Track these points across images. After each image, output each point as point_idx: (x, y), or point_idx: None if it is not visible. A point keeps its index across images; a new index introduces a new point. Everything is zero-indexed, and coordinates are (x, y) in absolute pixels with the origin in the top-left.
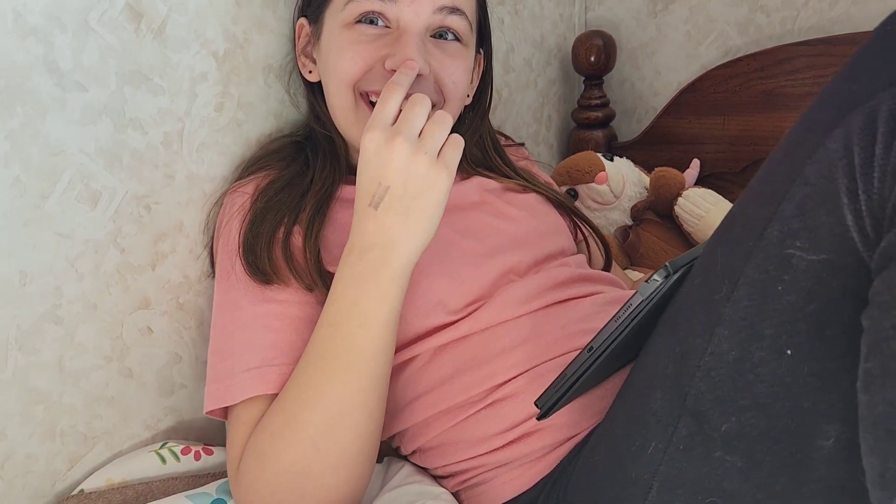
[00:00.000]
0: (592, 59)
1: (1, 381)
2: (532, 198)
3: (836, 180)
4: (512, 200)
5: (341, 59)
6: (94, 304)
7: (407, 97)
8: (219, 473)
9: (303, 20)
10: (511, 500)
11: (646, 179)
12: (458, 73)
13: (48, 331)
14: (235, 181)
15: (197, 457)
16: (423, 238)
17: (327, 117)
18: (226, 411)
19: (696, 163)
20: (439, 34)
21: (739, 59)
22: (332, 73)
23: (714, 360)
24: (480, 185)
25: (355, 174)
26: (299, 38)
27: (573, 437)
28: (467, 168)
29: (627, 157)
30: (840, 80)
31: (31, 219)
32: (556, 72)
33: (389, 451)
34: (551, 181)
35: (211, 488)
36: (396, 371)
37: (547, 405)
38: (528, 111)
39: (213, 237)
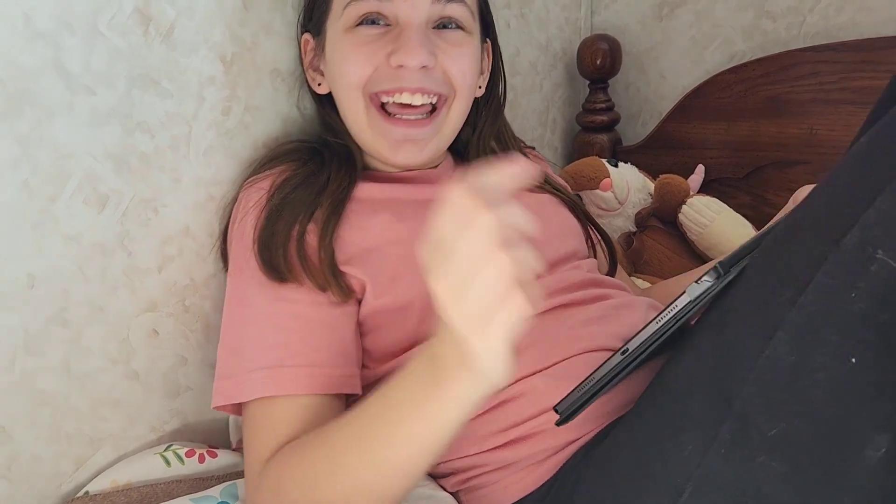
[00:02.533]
0: (598, 62)
1: (8, 384)
2: (546, 199)
3: None
4: (527, 201)
5: (347, 64)
6: (101, 306)
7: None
8: (223, 476)
9: (307, 35)
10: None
11: (650, 186)
12: (464, 61)
13: (55, 333)
14: (250, 176)
15: (201, 459)
16: (495, 380)
17: (340, 127)
18: (235, 407)
19: (700, 168)
20: (441, 25)
21: (745, 65)
22: (340, 79)
23: (769, 364)
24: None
25: (371, 174)
26: (305, 53)
27: (576, 440)
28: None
29: (632, 162)
30: None
31: (39, 222)
32: (561, 75)
33: None
34: (566, 185)
35: (215, 491)
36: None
37: (569, 410)
38: (533, 114)
39: (226, 231)
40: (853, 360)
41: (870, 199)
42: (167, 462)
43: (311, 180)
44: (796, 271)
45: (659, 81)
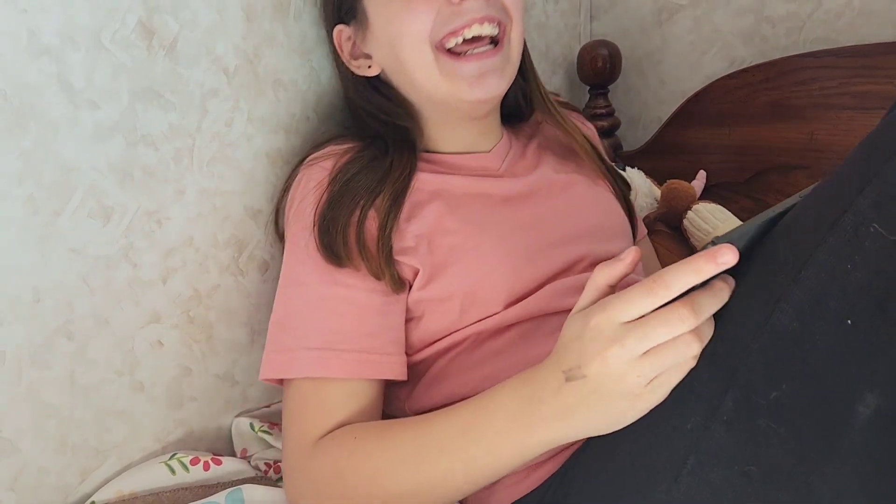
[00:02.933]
0: (597, 68)
1: (14, 396)
2: (602, 193)
3: None
4: (577, 197)
5: (407, 19)
6: (106, 318)
7: None
8: (227, 483)
9: (339, 27)
10: (516, 501)
11: (656, 191)
12: None
13: (60, 346)
14: (310, 153)
15: (206, 467)
16: (589, 434)
17: (400, 103)
18: (279, 380)
19: (702, 174)
20: None
21: (745, 70)
22: (403, 39)
23: (773, 333)
24: (548, 177)
25: (428, 163)
26: (341, 46)
27: (576, 443)
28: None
29: (632, 167)
30: None
31: (43, 235)
32: (561, 81)
33: None
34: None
35: (220, 497)
36: (437, 355)
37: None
38: None
39: (279, 201)
40: (849, 322)
41: (860, 189)
42: (172, 470)
43: (373, 165)
44: (795, 254)
45: (659, 86)
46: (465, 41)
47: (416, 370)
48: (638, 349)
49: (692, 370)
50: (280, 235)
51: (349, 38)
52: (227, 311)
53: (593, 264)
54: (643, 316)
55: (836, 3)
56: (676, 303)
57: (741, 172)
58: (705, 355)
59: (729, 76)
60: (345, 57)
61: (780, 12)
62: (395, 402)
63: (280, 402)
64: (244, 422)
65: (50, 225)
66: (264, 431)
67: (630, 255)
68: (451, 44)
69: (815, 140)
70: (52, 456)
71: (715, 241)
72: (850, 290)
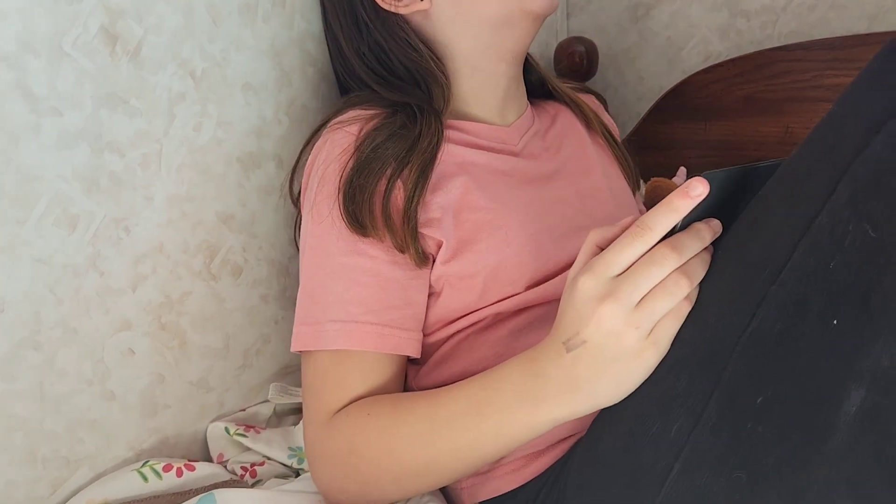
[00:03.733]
0: (575, 64)
1: None
2: (617, 178)
3: (886, 174)
4: (597, 182)
5: None
6: (74, 328)
7: None
8: (200, 489)
9: None
10: (510, 492)
11: (641, 188)
12: None
13: (27, 357)
14: (334, 117)
15: (179, 473)
16: (599, 405)
17: (435, 57)
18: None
19: (682, 171)
20: None
21: (720, 65)
22: None
23: (755, 337)
24: (571, 160)
25: (455, 132)
26: None
27: (577, 433)
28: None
29: None
30: (862, 94)
31: (7, 245)
32: None
33: None
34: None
35: (192, 503)
36: (452, 334)
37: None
38: None
39: (294, 165)
40: (835, 322)
41: (832, 187)
42: (144, 478)
43: (402, 133)
44: (771, 254)
45: (637, 82)
46: None
47: (429, 349)
48: (632, 299)
49: (670, 375)
50: (294, 201)
51: None
52: (200, 317)
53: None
54: (629, 267)
55: None
56: (658, 245)
57: (719, 166)
58: (685, 358)
59: (705, 71)
60: (388, 4)
61: (755, 6)
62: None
63: (256, 404)
64: (219, 426)
65: (14, 234)
66: (240, 434)
67: (626, 221)
68: None
69: (790, 133)
70: (21, 469)
71: (705, 175)
72: (833, 290)
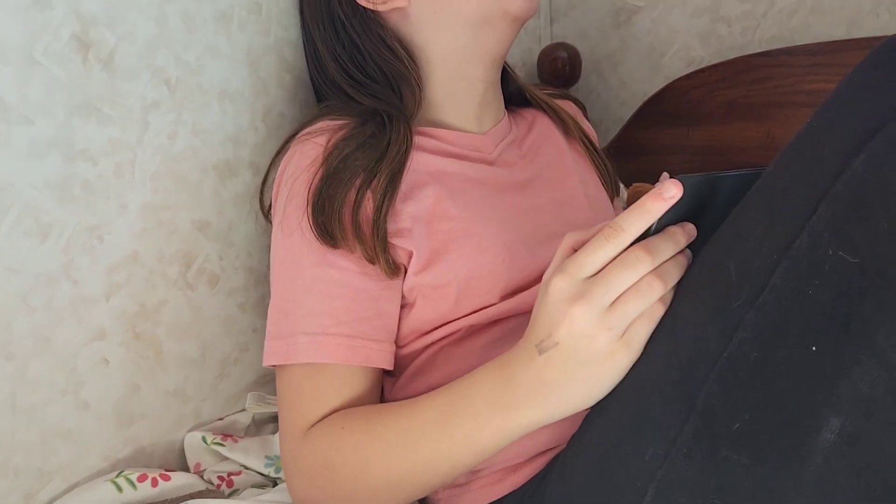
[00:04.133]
0: (558, 70)
1: None
2: (594, 185)
3: (868, 197)
4: (573, 189)
5: None
6: (47, 337)
7: None
8: (176, 499)
9: None
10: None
11: (623, 194)
12: None
13: None
14: (302, 129)
15: (154, 483)
16: (572, 409)
17: (411, 59)
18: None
19: (665, 176)
20: None
21: (702, 70)
22: None
23: (731, 362)
24: (546, 169)
25: (425, 141)
26: None
27: (555, 447)
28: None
29: None
30: (843, 108)
31: None
32: None
33: None
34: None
35: None
36: (427, 346)
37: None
38: None
39: (264, 178)
40: (814, 348)
41: (812, 207)
42: (119, 488)
43: (371, 143)
44: (748, 276)
45: (619, 88)
46: None
47: (403, 361)
48: (604, 301)
49: (644, 397)
50: (265, 214)
51: None
52: (176, 326)
53: None
54: (602, 269)
55: (788, 2)
56: (632, 247)
57: (702, 171)
58: (658, 380)
59: (687, 76)
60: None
61: (735, 12)
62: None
63: (234, 413)
64: (196, 435)
65: None
66: (217, 444)
67: (601, 226)
68: None
69: (772, 138)
70: None
71: (679, 178)
72: (812, 315)
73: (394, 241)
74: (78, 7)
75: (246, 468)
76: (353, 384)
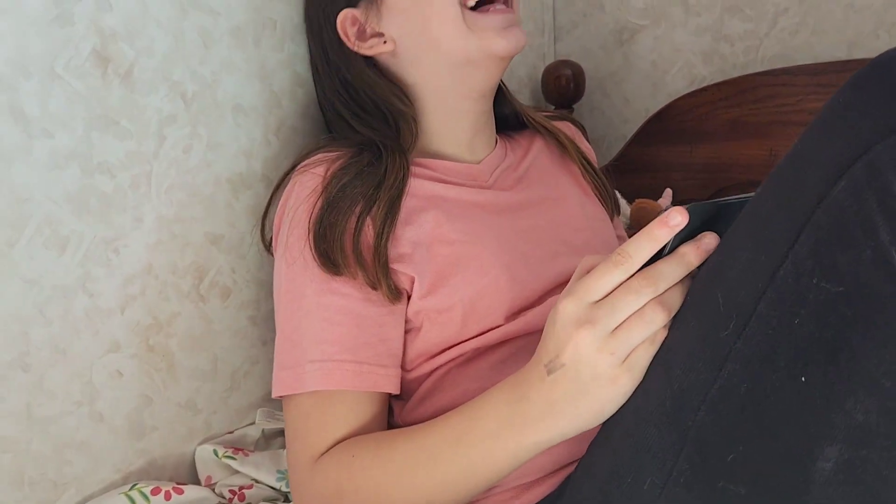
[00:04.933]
0: (562, 87)
1: None
2: (592, 205)
3: (850, 224)
4: (571, 210)
5: None
6: (63, 349)
7: None
8: None
9: (345, 11)
10: None
11: (626, 210)
12: None
13: (15, 378)
14: (300, 161)
15: (167, 497)
16: (582, 427)
17: (403, 93)
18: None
19: (668, 192)
20: None
21: (704, 89)
22: (432, 5)
23: (722, 393)
24: (542, 190)
25: (422, 169)
26: (346, 31)
27: (567, 466)
28: (534, 124)
29: None
30: (826, 131)
31: None
32: (526, 101)
33: None
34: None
35: None
36: (435, 369)
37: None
38: None
39: (265, 211)
40: (803, 378)
41: (794, 236)
42: (132, 501)
43: (369, 171)
44: (735, 305)
45: (623, 105)
46: (481, 2)
47: (412, 385)
48: (608, 326)
49: (641, 427)
50: (267, 246)
51: (354, 21)
52: (188, 338)
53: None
54: (608, 295)
55: (790, 22)
56: (637, 273)
57: (704, 189)
58: (654, 410)
59: (690, 94)
60: (351, 41)
61: (738, 31)
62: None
63: (244, 427)
64: (207, 448)
65: (4, 255)
66: (228, 457)
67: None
68: (472, 2)
69: (775, 157)
70: (8, 490)
71: (687, 207)
72: (799, 345)
73: (395, 266)
74: (99, 22)
75: (257, 482)
76: (360, 410)
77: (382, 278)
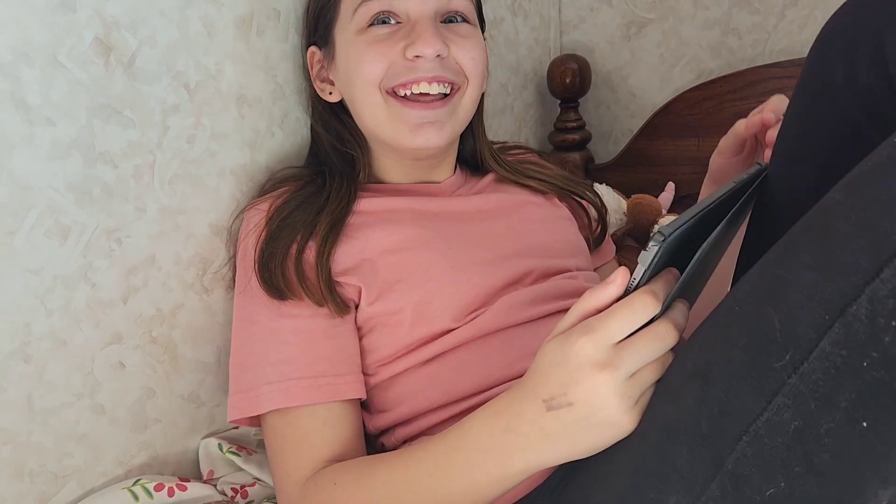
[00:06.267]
0: (568, 82)
1: None
2: (553, 213)
3: None
4: (529, 216)
5: (362, 63)
6: (64, 340)
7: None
8: None
9: (313, 48)
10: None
11: (625, 206)
12: (475, 50)
13: (16, 369)
14: (252, 200)
15: (171, 493)
16: (567, 459)
17: (354, 132)
18: (253, 420)
19: (670, 186)
20: (448, 19)
21: (712, 82)
22: (356, 79)
23: (769, 427)
24: (499, 197)
25: (374, 187)
26: (312, 66)
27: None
28: (491, 164)
29: (605, 179)
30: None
31: None
32: (532, 95)
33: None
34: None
35: None
36: (396, 375)
37: (669, 230)
38: (505, 135)
39: (234, 251)
40: (864, 424)
41: (876, 269)
42: (135, 496)
43: (310, 201)
44: (794, 335)
45: (629, 99)
46: (415, 95)
47: (376, 391)
48: (630, 370)
49: (670, 444)
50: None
51: (319, 60)
52: (191, 330)
53: (541, 278)
54: (629, 336)
55: (799, 15)
56: (659, 320)
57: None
58: (686, 429)
59: (697, 88)
60: (313, 77)
61: (746, 24)
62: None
63: None
64: (213, 442)
65: (5, 245)
66: (232, 453)
67: (619, 276)
68: (402, 93)
69: None
70: (9, 482)
71: (660, 230)
72: (864, 390)
73: (340, 279)
74: (101, 10)
75: (259, 481)
76: (334, 423)
77: (327, 293)
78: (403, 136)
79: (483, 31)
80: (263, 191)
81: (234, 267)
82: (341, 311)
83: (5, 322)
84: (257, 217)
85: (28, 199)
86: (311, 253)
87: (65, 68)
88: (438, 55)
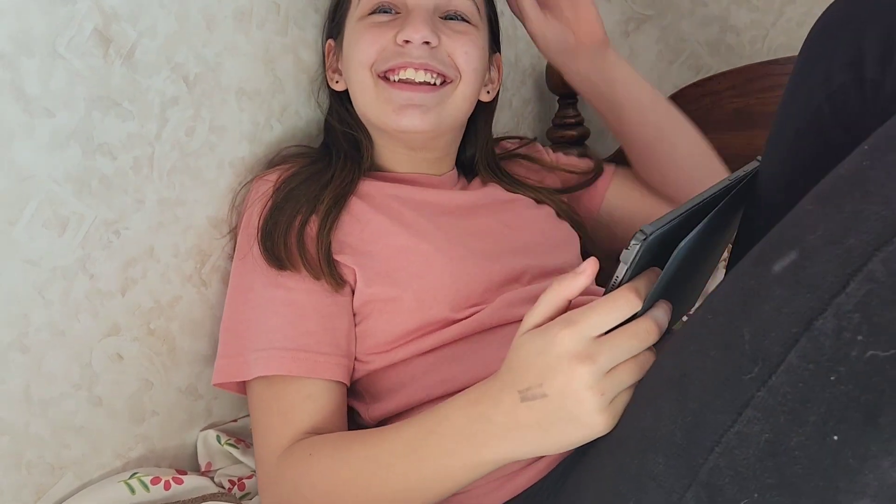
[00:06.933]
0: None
1: None
2: (544, 212)
3: None
4: (522, 213)
5: (357, 45)
6: (63, 331)
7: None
8: (188, 501)
9: (330, 41)
10: None
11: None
12: (468, 45)
13: (14, 359)
14: (260, 172)
15: (167, 486)
16: (542, 454)
17: (355, 119)
18: (238, 386)
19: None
20: (448, 17)
21: (710, 78)
22: (351, 62)
23: (740, 439)
24: (494, 193)
25: (378, 173)
26: (328, 58)
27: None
28: (484, 174)
29: None
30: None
31: None
32: (530, 91)
33: None
34: (575, 162)
35: None
36: (393, 364)
37: (652, 230)
38: (503, 131)
39: (238, 220)
40: (835, 437)
41: (842, 283)
42: (132, 490)
43: (316, 177)
44: (762, 348)
45: None
46: (403, 80)
47: (373, 378)
48: (608, 366)
49: (648, 452)
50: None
51: (333, 51)
52: (189, 322)
53: (537, 276)
54: (610, 331)
55: (797, 12)
56: (640, 318)
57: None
58: (663, 438)
59: (695, 84)
60: (327, 67)
61: (744, 21)
62: (357, 415)
63: (246, 416)
64: (211, 434)
65: (3, 235)
66: (231, 445)
67: (589, 266)
68: (392, 77)
69: None
70: (6, 474)
71: (643, 229)
72: (833, 405)
73: (339, 257)
74: (101, 1)
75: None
76: (317, 399)
77: (325, 266)
78: (388, 117)
79: (498, 48)
80: (272, 163)
81: (236, 233)
82: (336, 286)
83: (3, 313)
84: (264, 187)
85: (27, 190)
86: (312, 227)
87: (64, 59)
88: (427, 42)
